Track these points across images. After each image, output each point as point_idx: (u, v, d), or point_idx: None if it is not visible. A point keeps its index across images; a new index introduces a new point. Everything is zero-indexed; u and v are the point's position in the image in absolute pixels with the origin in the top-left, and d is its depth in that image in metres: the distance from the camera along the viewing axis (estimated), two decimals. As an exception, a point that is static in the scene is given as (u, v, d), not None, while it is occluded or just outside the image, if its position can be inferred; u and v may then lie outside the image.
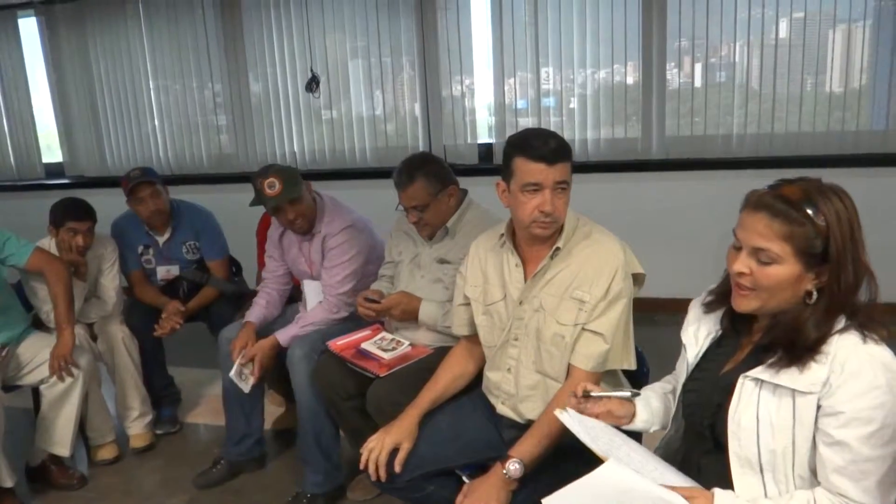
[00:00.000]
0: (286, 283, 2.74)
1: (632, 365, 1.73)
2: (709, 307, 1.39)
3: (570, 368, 1.68)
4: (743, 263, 1.21)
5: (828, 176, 1.22)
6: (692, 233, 3.84)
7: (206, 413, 3.19)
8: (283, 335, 2.45)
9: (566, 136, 3.69)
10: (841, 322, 1.18)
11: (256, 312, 2.61)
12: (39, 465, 2.65)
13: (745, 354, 1.30)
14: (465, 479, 1.72)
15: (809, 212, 1.15)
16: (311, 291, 2.57)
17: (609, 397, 1.43)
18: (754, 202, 1.20)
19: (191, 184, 4.43)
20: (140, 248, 3.07)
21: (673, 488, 1.15)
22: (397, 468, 1.71)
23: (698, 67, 3.83)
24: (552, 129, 1.97)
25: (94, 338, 2.88)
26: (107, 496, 2.60)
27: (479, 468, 1.74)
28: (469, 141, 4.24)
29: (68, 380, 2.53)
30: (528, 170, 1.60)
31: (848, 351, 1.14)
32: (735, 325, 1.33)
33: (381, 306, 2.22)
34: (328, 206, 2.56)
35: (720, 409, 1.27)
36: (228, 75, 4.54)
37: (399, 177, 2.19)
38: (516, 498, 1.60)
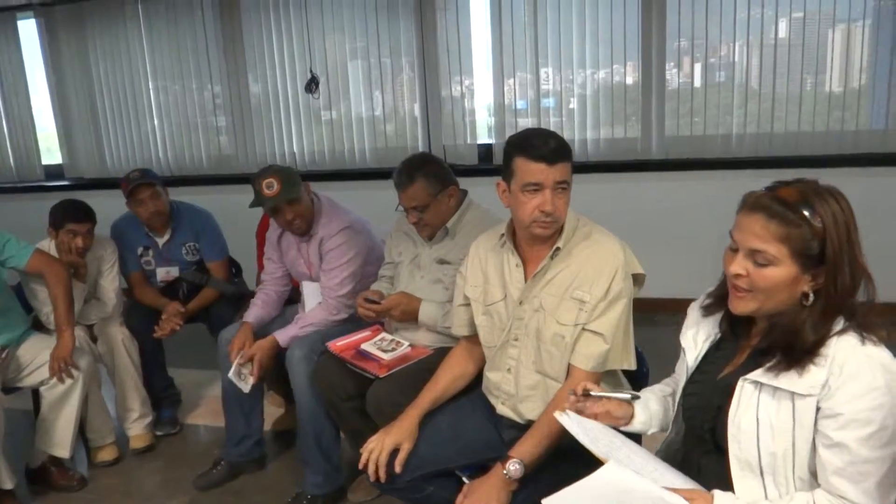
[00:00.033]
0: (285, 284, 2.73)
1: (632, 365, 1.73)
2: (707, 310, 1.39)
3: (570, 368, 1.68)
4: (739, 265, 1.21)
5: (827, 176, 1.22)
6: (692, 233, 3.83)
7: (206, 414, 3.19)
8: (282, 335, 2.45)
9: (566, 136, 3.69)
10: (839, 324, 1.18)
11: (253, 313, 2.61)
12: (39, 467, 2.65)
13: (744, 357, 1.30)
14: (465, 479, 1.72)
15: (806, 213, 1.15)
16: (310, 293, 2.57)
17: (608, 398, 1.43)
18: (751, 204, 1.20)
19: (190, 185, 4.42)
20: (140, 250, 3.06)
21: (673, 490, 1.15)
22: (397, 469, 1.71)
23: (698, 67, 3.83)
24: (552, 129, 1.96)
25: (94, 339, 2.88)
26: (107, 497, 2.60)
27: (479, 469, 1.74)
28: (469, 141, 4.24)
29: (68, 381, 2.53)
30: (529, 170, 1.60)
31: (846, 353, 1.14)
32: (734, 329, 1.33)
33: (381, 307, 2.22)
34: (325, 208, 2.55)
35: (720, 412, 1.26)
36: (228, 76, 4.53)
37: (399, 177, 2.19)
38: (516, 498, 1.60)
